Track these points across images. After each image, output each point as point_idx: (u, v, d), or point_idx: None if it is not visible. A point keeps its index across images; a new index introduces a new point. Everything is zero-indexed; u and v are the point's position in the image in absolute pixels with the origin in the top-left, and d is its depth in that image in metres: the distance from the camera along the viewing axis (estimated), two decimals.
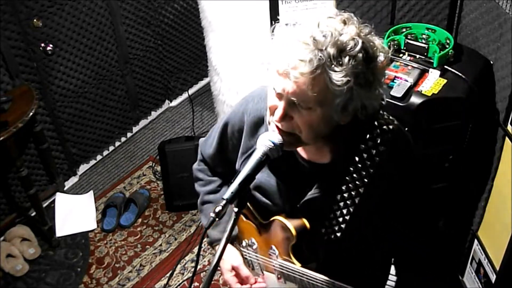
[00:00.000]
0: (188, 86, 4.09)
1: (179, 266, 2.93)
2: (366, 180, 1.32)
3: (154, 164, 3.57)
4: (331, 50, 1.14)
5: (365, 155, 1.32)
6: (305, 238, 1.43)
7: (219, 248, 1.21)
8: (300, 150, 1.42)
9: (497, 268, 2.24)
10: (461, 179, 2.37)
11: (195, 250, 3.00)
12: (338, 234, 1.38)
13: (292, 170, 1.44)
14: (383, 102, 1.35)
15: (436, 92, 2.14)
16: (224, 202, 1.21)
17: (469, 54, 2.32)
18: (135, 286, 2.86)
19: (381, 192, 1.35)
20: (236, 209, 1.25)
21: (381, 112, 1.37)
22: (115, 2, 3.30)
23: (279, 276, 1.54)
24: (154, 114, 3.95)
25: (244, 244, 1.63)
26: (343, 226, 1.37)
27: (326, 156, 1.38)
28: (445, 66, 2.23)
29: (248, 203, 1.55)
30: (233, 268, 1.62)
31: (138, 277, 2.90)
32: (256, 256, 1.60)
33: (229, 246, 1.63)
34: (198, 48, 3.97)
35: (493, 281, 2.28)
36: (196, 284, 2.70)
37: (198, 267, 2.92)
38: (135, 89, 3.69)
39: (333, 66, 1.15)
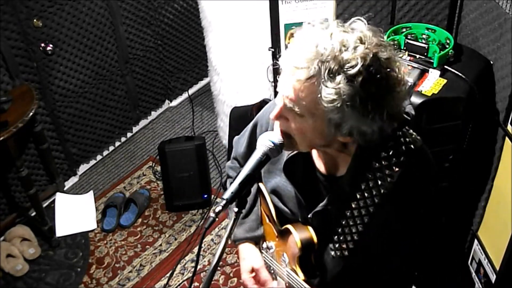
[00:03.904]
0: (188, 86, 4.09)
1: (179, 266, 2.93)
2: (376, 200, 1.26)
3: (154, 164, 3.57)
4: (331, 65, 1.10)
5: (378, 174, 1.25)
6: (311, 252, 1.41)
7: (219, 248, 1.20)
8: (316, 159, 1.40)
9: (497, 268, 2.24)
10: (461, 179, 2.37)
11: (195, 250, 2.99)
12: (346, 253, 1.34)
13: (308, 179, 1.41)
14: (409, 117, 1.28)
15: (436, 92, 2.14)
16: (224, 202, 1.20)
17: (469, 54, 2.32)
18: (135, 286, 2.86)
19: (392, 216, 1.28)
20: (236, 209, 1.25)
21: (405, 128, 1.28)
22: (115, 2, 3.30)
23: (287, 284, 1.53)
24: (154, 114, 3.95)
25: (264, 246, 1.63)
26: (351, 245, 1.33)
27: (341, 169, 1.34)
28: (445, 66, 2.23)
29: (270, 206, 1.55)
30: (253, 270, 1.59)
31: (138, 277, 2.90)
32: (271, 260, 1.60)
33: (252, 246, 1.63)
34: (198, 48, 3.97)
35: (493, 281, 2.28)
36: (196, 284, 2.69)
37: (198, 267, 2.91)
38: (135, 89, 3.69)
39: (326, 81, 1.11)
